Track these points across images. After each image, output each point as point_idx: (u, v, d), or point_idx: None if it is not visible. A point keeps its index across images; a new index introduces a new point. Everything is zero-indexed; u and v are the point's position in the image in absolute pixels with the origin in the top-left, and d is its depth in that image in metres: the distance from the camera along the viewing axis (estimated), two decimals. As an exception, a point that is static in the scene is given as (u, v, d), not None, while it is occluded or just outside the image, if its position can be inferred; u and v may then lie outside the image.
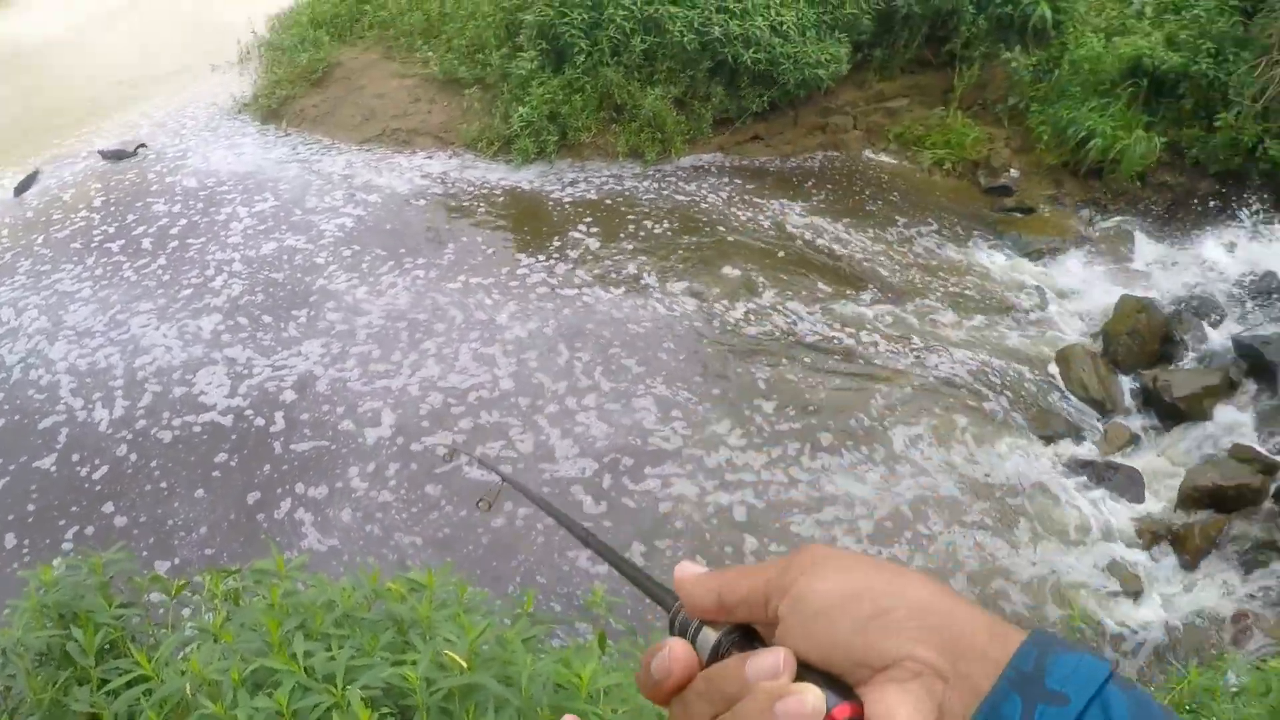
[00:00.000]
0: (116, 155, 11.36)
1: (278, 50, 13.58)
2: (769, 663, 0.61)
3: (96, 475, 6.89)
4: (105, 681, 2.51)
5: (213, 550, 6.30)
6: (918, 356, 8.36)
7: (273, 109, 12.41)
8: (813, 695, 0.57)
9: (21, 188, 11.17)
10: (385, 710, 2.26)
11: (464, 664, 2.25)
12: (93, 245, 9.71)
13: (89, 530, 6.42)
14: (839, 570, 0.64)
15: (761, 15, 10.84)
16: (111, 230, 9.95)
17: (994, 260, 9.88)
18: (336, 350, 8.12)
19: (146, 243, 9.67)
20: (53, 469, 6.97)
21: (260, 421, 7.37)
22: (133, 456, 7.04)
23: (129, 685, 2.39)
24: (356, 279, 8.98)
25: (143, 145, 11.64)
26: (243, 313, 8.55)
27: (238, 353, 8.08)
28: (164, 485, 6.78)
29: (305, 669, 2.31)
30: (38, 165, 11.64)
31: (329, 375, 7.83)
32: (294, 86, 12.54)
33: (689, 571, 0.72)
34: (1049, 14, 11.45)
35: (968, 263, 9.75)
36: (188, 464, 6.95)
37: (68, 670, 2.60)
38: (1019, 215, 10.72)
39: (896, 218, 10.39)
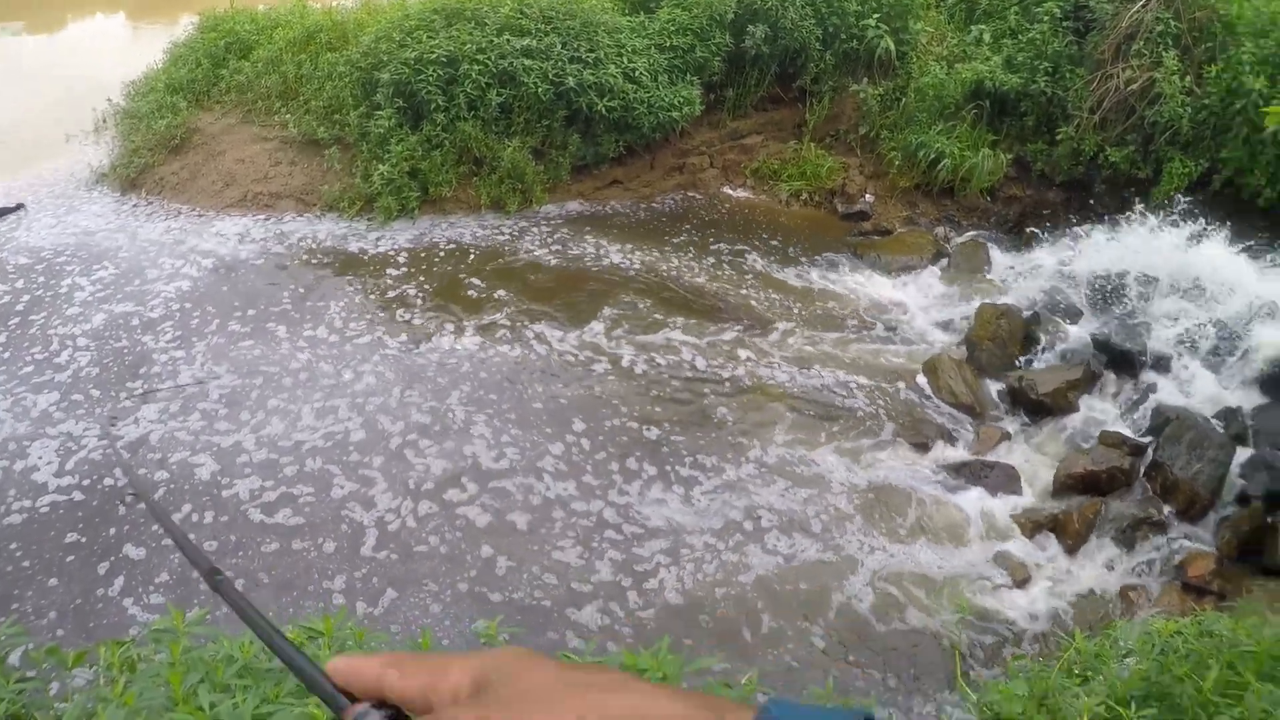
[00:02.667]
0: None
1: (134, 118, 13.31)
2: None
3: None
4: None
5: (67, 628, 6.12)
6: (789, 377, 8.59)
7: (131, 178, 12.11)
8: None
9: None
10: (296, 756, 2.24)
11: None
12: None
13: None
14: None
15: (614, 64, 11.07)
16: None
17: (856, 282, 10.23)
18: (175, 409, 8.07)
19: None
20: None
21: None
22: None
23: None
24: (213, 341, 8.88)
25: (21, 205, 11.44)
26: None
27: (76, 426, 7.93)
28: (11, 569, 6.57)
29: (213, 718, 2.30)
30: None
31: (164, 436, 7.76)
32: (152, 154, 12.25)
33: (344, 661, 0.66)
34: (893, 46, 11.93)
35: (831, 287, 10.07)
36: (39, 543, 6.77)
37: None
38: (877, 238, 11.13)
39: (759, 249, 10.66)
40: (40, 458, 7.43)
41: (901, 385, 8.63)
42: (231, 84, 13.02)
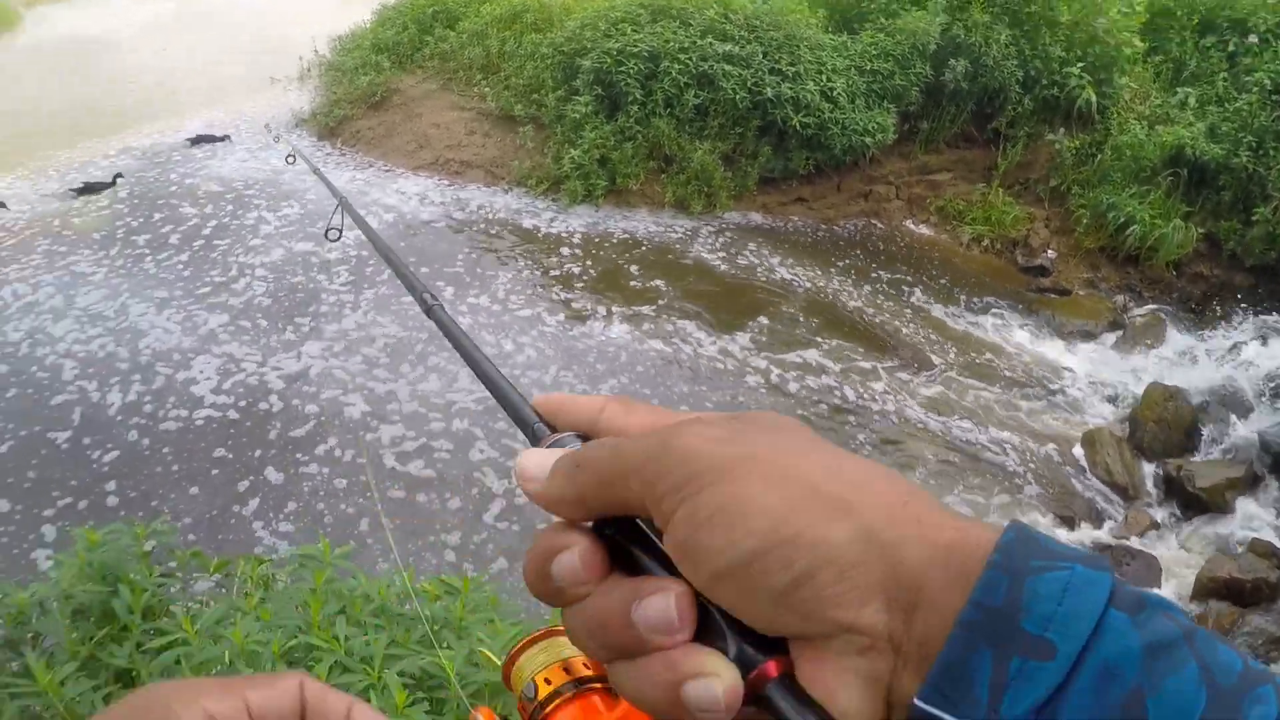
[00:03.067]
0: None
1: (338, 71, 13.90)
2: (658, 611, 0.47)
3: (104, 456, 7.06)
4: (142, 643, 2.60)
5: (200, 536, 6.40)
6: (944, 426, 8.45)
7: (330, 127, 12.69)
8: (723, 682, 0.44)
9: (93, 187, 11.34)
10: (419, 696, 2.30)
11: (497, 661, 2.32)
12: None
13: (81, 505, 6.50)
14: (765, 486, 0.46)
15: (813, 80, 11.05)
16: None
17: (1027, 339, 9.97)
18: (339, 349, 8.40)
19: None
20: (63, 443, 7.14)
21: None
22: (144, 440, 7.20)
23: (168, 647, 2.45)
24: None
25: (227, 137, 11.91)
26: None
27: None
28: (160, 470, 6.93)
29: (345, 650, 2.40)
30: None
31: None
32: (352, 107, 12.81)
33: (556, 396, 0.61)
34: (1094, 98, 11.62)
35: (1001, 339, 9.85)
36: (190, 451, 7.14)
37: (105, 628, 2.66)
38: (1054, 296, 10.82)
39: (933, 289, 10.51)
40: (201, 373, 7.87)
41: (1055, 452, 8.39)
42: (435, 51, 13.46)
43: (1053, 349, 9.90)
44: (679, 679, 0.45)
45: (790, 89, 10.92)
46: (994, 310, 10.35)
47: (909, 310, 10.05)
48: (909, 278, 10.66)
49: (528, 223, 10.76)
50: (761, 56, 11.12)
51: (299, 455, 7.16)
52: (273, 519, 6.56)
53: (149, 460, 6.92)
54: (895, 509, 0.46)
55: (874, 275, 10.64)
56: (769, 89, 10.87)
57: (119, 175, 11.21)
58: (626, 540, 0.51)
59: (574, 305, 9.38)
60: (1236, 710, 0.40)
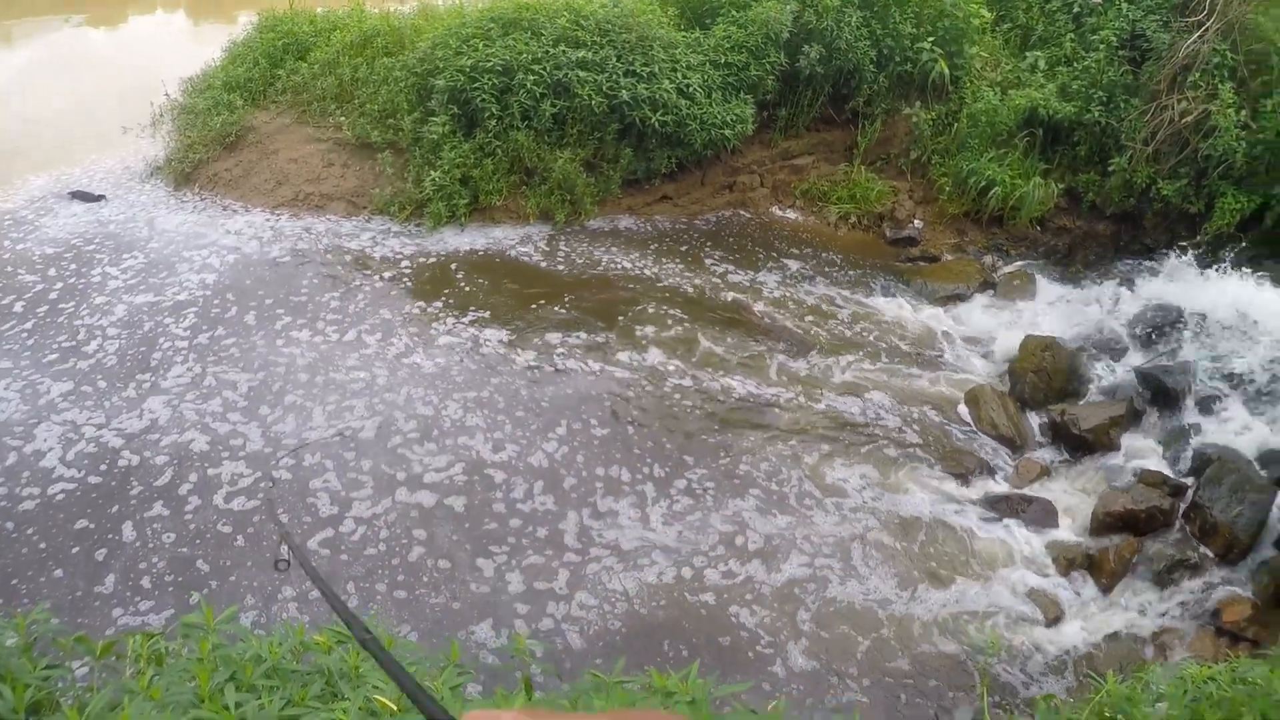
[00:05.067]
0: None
1: (190, 114, 13.50)
2: None
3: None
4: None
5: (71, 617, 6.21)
6: (829, 404, 8.58)
7: (185, 173, 12.31)
8: None
9: None
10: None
11: (394, 708, 2.28)
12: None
13: None
14: None
15: (668, 78, 11.09)
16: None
17: (902, 308, 10.17)
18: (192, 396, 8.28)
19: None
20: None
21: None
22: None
23: None
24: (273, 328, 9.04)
25: (103, 197, 11.64)
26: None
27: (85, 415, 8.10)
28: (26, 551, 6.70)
29: (237, 718, 2.33)
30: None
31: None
32: (207, 150, 12.45)
33: (481, 714, 0.67)
34: (946, 70, 11.90)
35: (876, 312, 10.04)
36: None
37: None
38: (924, 264, 11.08)
39: (806, 272, 10.65)
40: (45, 447, 7.63)
41: (942, 414, 8.60)
42: (288, 84, 13.18)
43: (928, 315, 10.13)
44: None
45: (646, 89, 10.93)
46: (868, 284, 10.57)
47: (786, 295, 10.16)
48: (781, 262, 10.79)
49: (384, 250, 10.60)
50: (615, 60, 11.10)
51: (165, 511, 7.05)
52: (147, 586, 6.41)
53: (13, 543, 6.70)
54: None
55: (748, 264, 10.73)
56: (625, 91, 10.86)
57: None
58: None
59: (434, 326, 9.31)
60: None
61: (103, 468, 7.45)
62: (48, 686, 2.78)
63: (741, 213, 11.74)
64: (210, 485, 7.34)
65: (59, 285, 10.02)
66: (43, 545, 6.70)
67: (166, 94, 14.42)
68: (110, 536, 6.84)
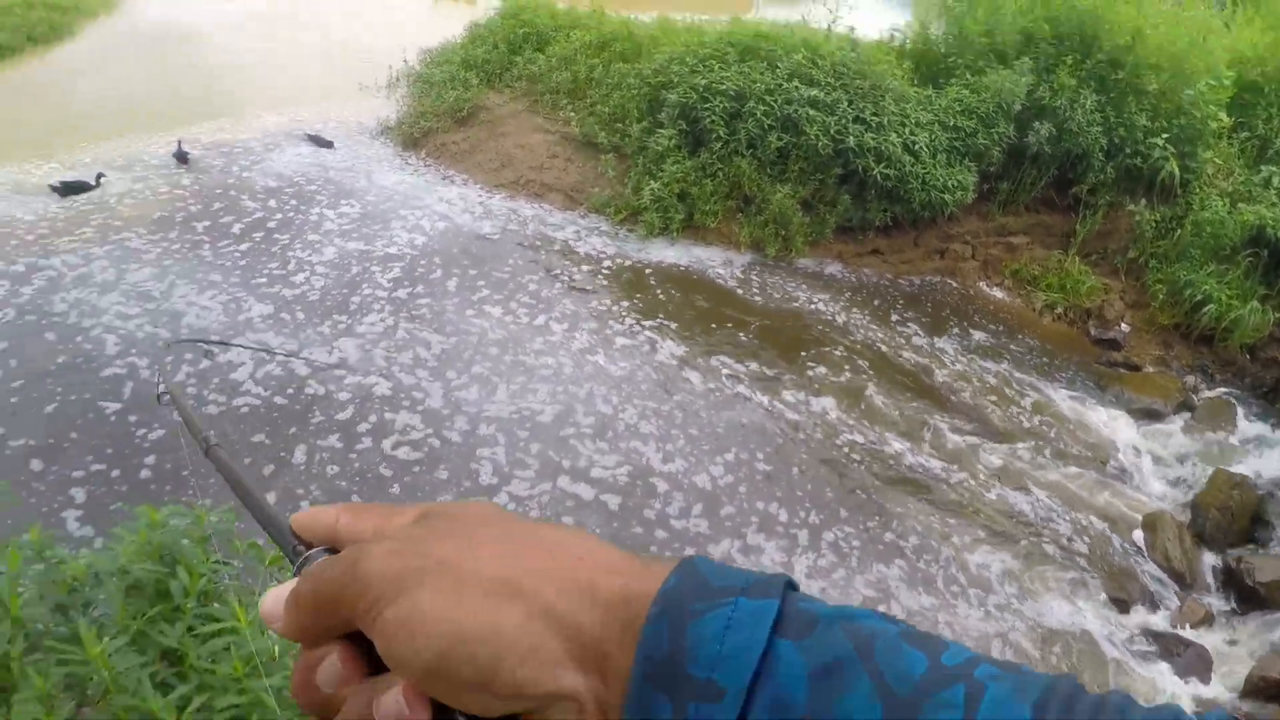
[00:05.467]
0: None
1: (426, 83, 14.12)
2: (391, 704, 0.49)
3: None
4: (194, 627, 2.64)
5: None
6: (997, 492, 8.36)
7: (414, 138, 12.90)
8: None
9: (181, 157, 11.67)
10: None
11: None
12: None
13: (114, 473, 6.64)
14: (435, 593, 0.49)
15: (896, 132, 11.03)
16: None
17: (1093, 413, 9.77)
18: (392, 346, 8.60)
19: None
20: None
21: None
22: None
23: (218, 634, 2.51)
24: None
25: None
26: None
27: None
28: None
29: None
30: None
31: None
32: (438, 120, 13.01)
33: (305, 513, 0.64)
34: (1177, 171, 11.49)
35: (1066, 410, 9.68)
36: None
37: (158, 606, 2.69)
38: (1124, 371, 10.65)
39: (1001, 354, 10.39)
40: (239, 359, 8.05)
41: (1114, 531, 8.26)
42: (524, 72, 13.64)
43: (1119, 425, 9.72)
44: None
45: (873, 139, 10.90)
46: (1062, 381, 10.19)
47: (975, 372, 9.96)
48: (978, 340, 10.56)
49: (589, 247, 10.87)
50: (846, 104, 11.11)
51: (337, 444, 7.38)
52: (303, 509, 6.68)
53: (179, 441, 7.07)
54: (567, 581, 0.49)
55: (943, 334, 10.56)
56: (852, 137, 10.86)
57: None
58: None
59: (619, 328, 9.46)
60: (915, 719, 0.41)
61: (289, 392, 7.86)
62: (216, 579, 2.96)
63: (948, 281, 11.53)
64: (383, 430, 7.64)
65: (278, 217, 10.67)
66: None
67: (405, 60, 15.06)
68: (281, 454, 7.20)
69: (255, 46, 17.67)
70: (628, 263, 10.63)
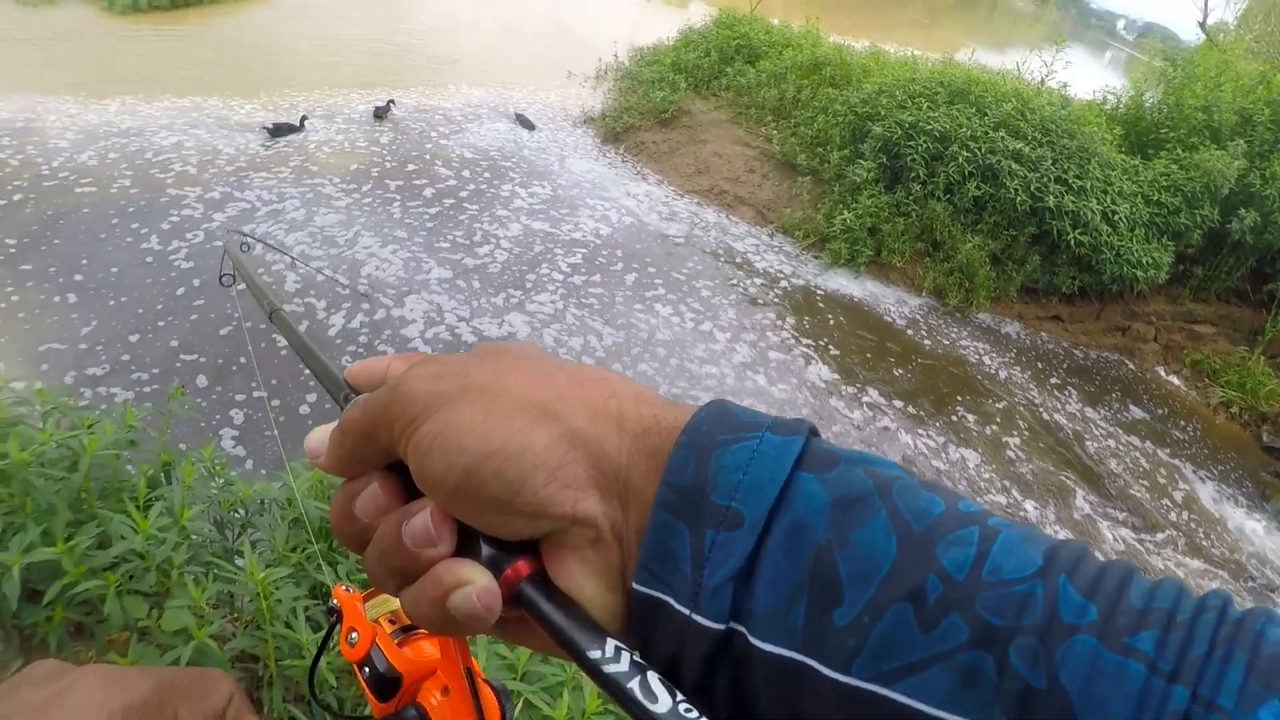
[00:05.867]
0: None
1: (633, 80, 14.52)
2: (419, 525, 0.51)
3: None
4: (353, 572, 2.74)
5: None
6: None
7: (615, 132, 13.25)
8: (477, 586, 0.49)
9: (380, 113, 12.20)
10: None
11: None
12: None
13: (275, 402, 6.88)
14: (473, 409, 0.51)
15: (1097, 198, 10.87)
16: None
17: (1250, 524, 9.44)
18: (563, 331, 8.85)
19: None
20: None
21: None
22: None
23: None
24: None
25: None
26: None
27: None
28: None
29: None
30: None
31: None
32: (641, 118, 13.35)
33: (359, 364, 0.67)
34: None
35: (1223, 516, 9.36)
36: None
37: (320, 544, 2.76)
38: (1290, 483, 10.31)
39: (1162, 438, 10.19)
40: (411, 316, 8.40)
41: None
42: (732, 83, 13.91)
43: (1277, 543, 9.42)
44: (444, 593, 0.50)
45: (1073, 202, 10.75)
46: (1223, 482, 9.86)
47: (1137, 457, 9.77)
48: (1137, 417, 10.36)
49: (768, 264, 10.97)
50: (1050, 162, 10.98)
51: None
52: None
53: None
54: (597, 409, 0.51)
55: (1112, 414, 10.35)
56: (1051, 197, 10.72)
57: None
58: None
59: (784, 348, 9.54)
60: (929, 554, 0.42)
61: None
62: None
63: (1125, 361, 11.23)
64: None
65: (470, 187, 11.12)
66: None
67: (615, 54, 15.50)
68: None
69: (468, 18, 18.39)
70: (803, 284, 10.75)
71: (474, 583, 0.49)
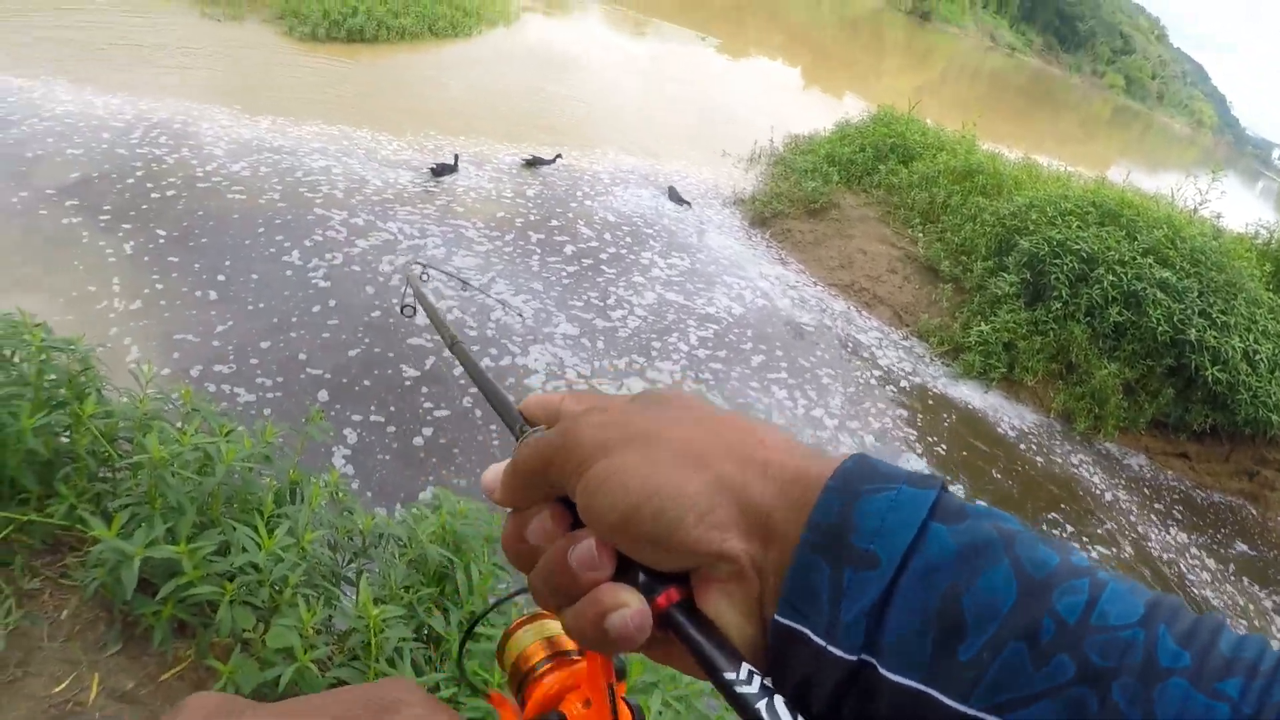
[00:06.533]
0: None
1: (786, 167, 14.93)
2: (584, 551, 0.56)
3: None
4: (463, 622, 2.78)
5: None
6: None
7: (763, 216, 13.59)
8: (631, 608, 0.54)
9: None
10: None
11: None
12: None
13: (391, 429, 7.02)
14: (636, 456, 0.56)
15: (1240, 336, 10.75)
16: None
17: None
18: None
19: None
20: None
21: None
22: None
23: (482, 638, 2.59)
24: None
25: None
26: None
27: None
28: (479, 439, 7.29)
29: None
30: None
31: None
32: (791, 205, 13.69)
33: (534, 398, 0.71)
34: None
35: None
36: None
37: (432, 588, 2.85)
38: None
39: (1267, 580, 9.94)
40: (535, 366, 8.57)
41: None
42: (884, 181, 14.21)
43: None
44: (602, 613, 0.54)
45: (1215, 338, 10.63)
46: None
47: (1244, 606, 9.55)
48: (1260, 572, 10.07)
49: (891, 361, 11.06)
50: (1196, 294, 10.90)
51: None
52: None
53: (469, 426, 7.33)
54: (745, 457, 0.55)
55: (1228, 558, 10.02)
56: (1194, 330, 10.63)
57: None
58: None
59: (887, 439, 9.58)
60: (1045, 599, 0.45)
61: None
62: (495, 582, 3.02)
63: (1249, 506, 10.88)
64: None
65: (610, 250, 11.45)
66: (479, 439, 7.37)
67: (770, 140, 15.97)
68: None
69: (627, 87, 19.06)
70: (925, 390, 10.78)
71: (629, 605, 0.54)
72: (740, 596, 0.54)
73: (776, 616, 0.50)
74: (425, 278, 3.75)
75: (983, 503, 0.54)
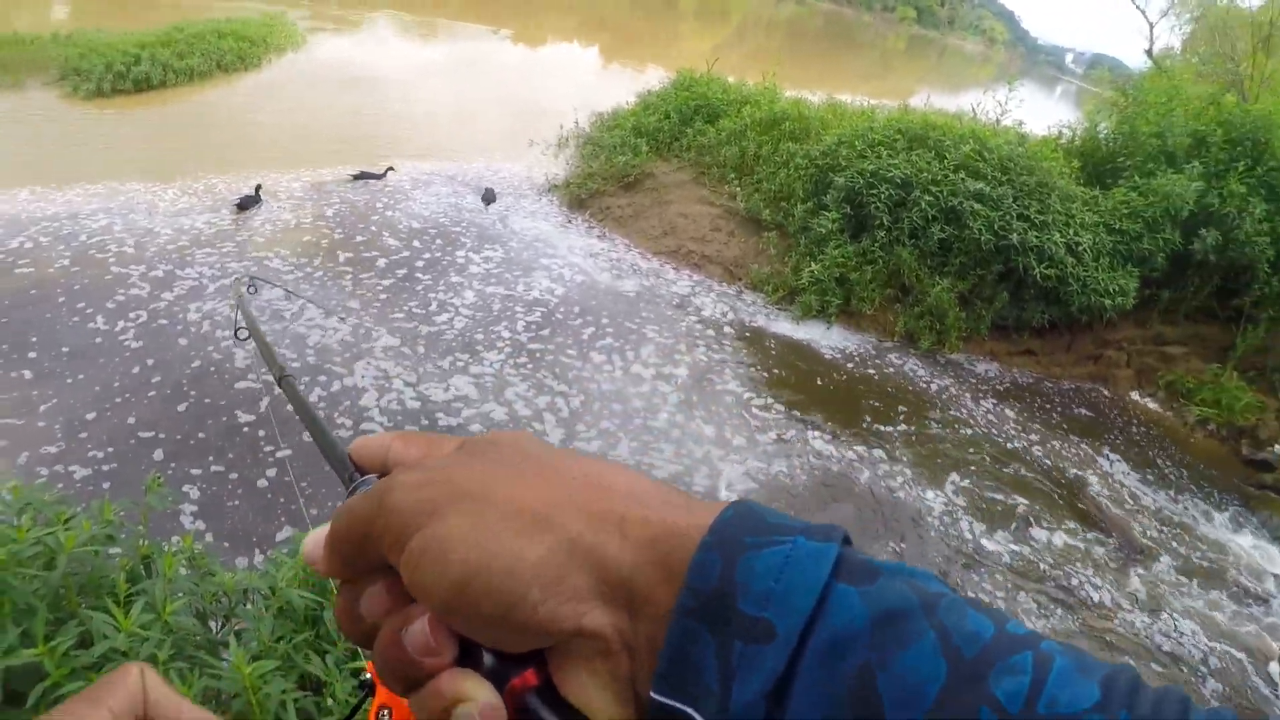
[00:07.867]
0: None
1: (596, 146, 14.70)
2: (417, 633, 0.49)
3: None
4: (342, 661, 2.74)
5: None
6: (1131, 614, 8.23)
7: (580, 199, 13.40)
8: (478, 704, 0.47)
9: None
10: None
11: None
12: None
13: (232, 475, 6.85)
14: (461, 520, 0.49)
15: (1059, 231, 11.03)
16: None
17: (1237, 536, 9.51)
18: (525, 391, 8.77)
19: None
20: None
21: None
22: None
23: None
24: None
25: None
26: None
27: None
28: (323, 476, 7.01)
29: None
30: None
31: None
32: (605, 183, 13.51)
33: (360, 441, 0.65)
34: (1351, 290, 11.24)
35: (1208, 531, 9.46)
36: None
37: (305, 633, 2.78)
38: (1274, 495, 10.37)
39: (1146, 467, 10.20)
40: (364, 384, 8.33)
41: (1250, 663, 8.06)
42: (693, 143, 14.10)
43: (1264, 553, 9.45)
44: (446, 707, 0.48)
45: (1036, 237, 10.89)
46: (1206, 499, 9.91)
47: (1118, 483, 9.81)
48: (1126, 452, 10.38)
49: (748, 321, 11.01)
50: (1011, 200, 11.15)
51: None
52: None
53: (314, 458, 6.92)
54: (595, 513, 0.48)
55: (1094, 444, 10.37)
56: (1015, 234, 10.86)
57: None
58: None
59: (751, 408, 9.41)
60: (981, 682, 0.39)
61: (422, 423, 8.04)
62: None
63: (1100, 389, 11.32)
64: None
65: (425, 256, 11.13)
66: (325, 469, 7.22)
67: (576, 121, 15.70)
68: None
69: (423, 90, 18.60)
70: (743, 322, 10.81)
71: (475, 699, 0.47)
72: (608, 676, 0.47)
73: (653, 693, 0.44)
74: (253, 290, 3.49)
75: (890, 560, 0.46)
